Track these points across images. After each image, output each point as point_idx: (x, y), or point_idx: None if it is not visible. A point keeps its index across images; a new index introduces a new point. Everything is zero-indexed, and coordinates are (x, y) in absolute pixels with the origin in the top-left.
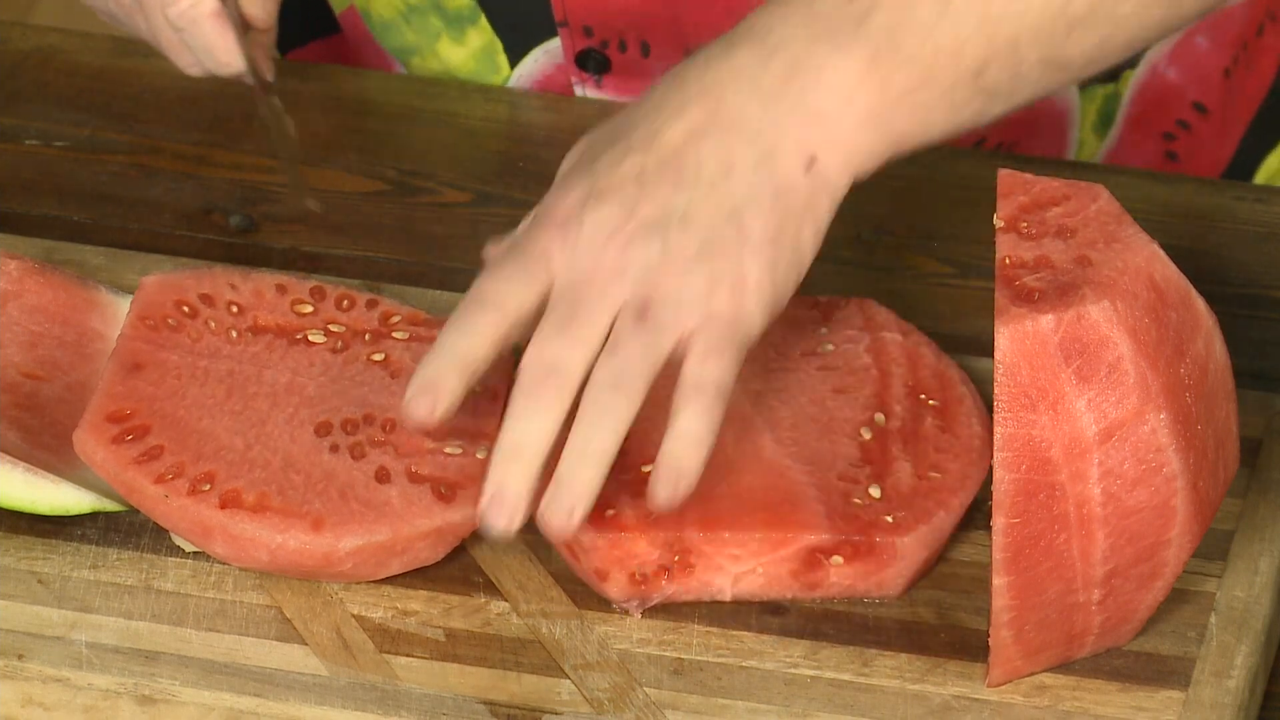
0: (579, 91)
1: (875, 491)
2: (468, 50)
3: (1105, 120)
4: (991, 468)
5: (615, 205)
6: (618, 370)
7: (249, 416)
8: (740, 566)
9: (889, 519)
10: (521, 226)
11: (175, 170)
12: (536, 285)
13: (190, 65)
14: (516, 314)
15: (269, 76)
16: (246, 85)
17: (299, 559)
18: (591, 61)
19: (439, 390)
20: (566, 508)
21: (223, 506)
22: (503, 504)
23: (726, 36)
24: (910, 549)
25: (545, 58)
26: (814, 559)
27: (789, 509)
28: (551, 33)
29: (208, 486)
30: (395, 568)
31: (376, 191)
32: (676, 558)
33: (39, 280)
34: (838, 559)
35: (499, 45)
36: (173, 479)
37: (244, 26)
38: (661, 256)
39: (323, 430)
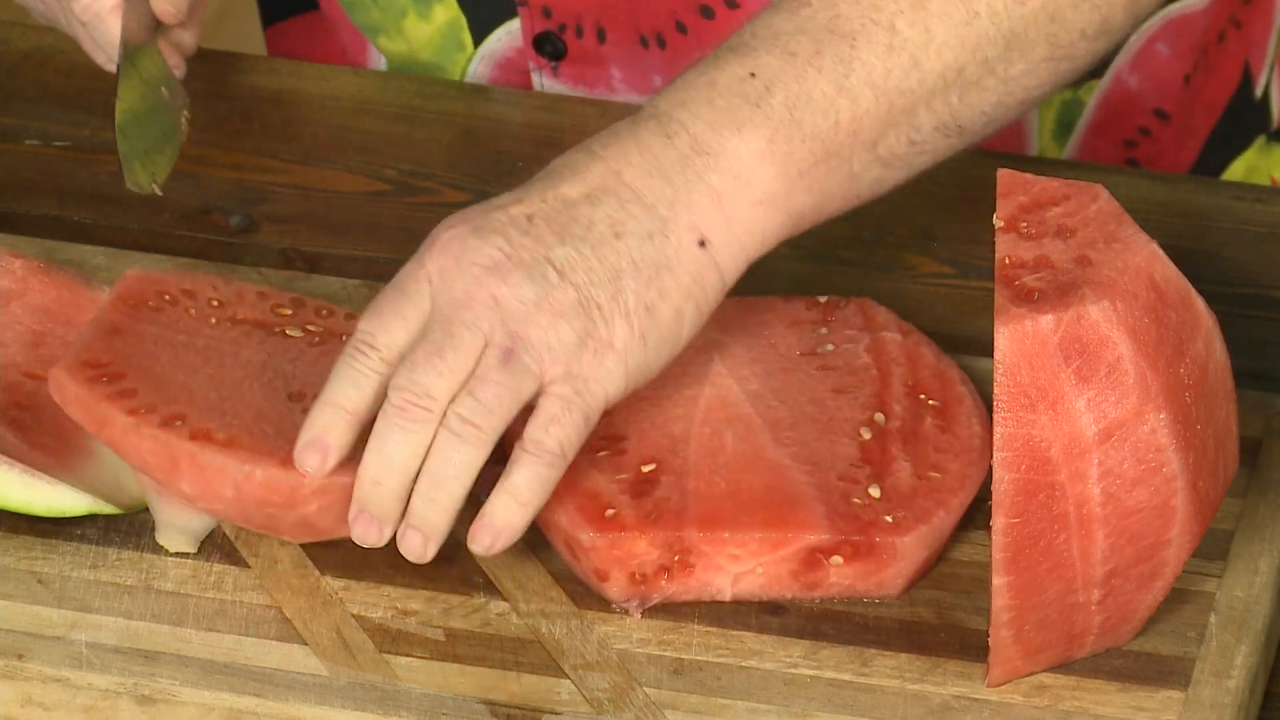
0: (536, 78)
1: (875, 491)
2: (433, 27)
3: (1065, 128)
4: (991, 468)
5: (499, 241)
6: (474, 410)
7: (224, 380)
8: (740, 566)
9: (889, 519)
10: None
11: (175, 170)
12: (412, 322)
13: (106, 62)
14: (396, 355)
15: (179, 73)
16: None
17: (265, 494)
18: (548, 45)
19: (327, 445)
20: (419, 543)
21: (192, 439)
22: (369, 524)
23: (633, 116)
24: (910, 549)
25: (507, 38)
26: (814, 559)
27: (789, 509)
28: (515, 12)
29: (179, 423)
30: None
31: (376, 191)
32: (676, 558)
33: (43, 279)
34: (837, 559)
35: (464, 22)
36: (145, 414)
37: (155, 23)
38: (535, 300)
39: (296, 398)
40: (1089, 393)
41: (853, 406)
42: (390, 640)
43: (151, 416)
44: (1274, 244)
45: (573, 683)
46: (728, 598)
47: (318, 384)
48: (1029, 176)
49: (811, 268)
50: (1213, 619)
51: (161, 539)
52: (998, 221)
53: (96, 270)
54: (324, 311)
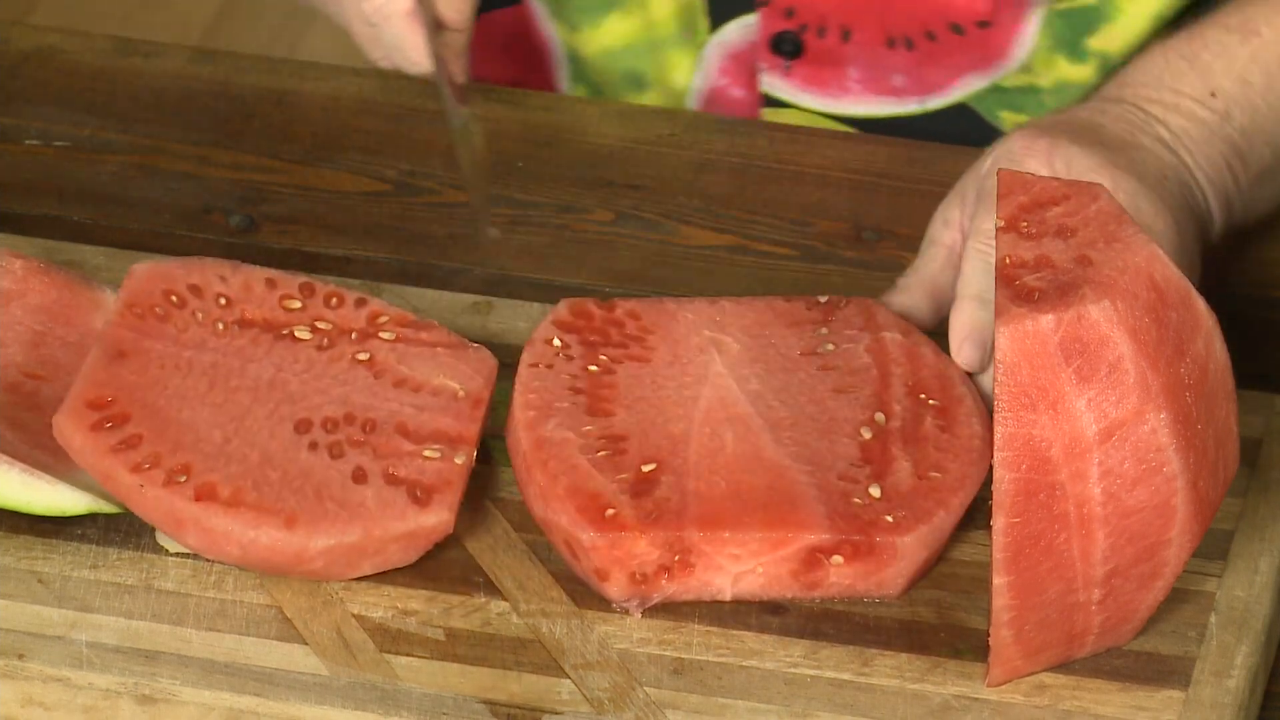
0: (764, 78)
1: (875, 491)
2: (674, 4)
3: None
4: (991, 467)
5: (1095, 151)
6: None
7: (230, 410)
8: (740, 566)
9: (889, 519)
10: None
11: (175, 170)
12: None
13: (381, 59)
14: None
15: (460, 79)
16: (436, 88)
17: (270, 555)
18: (786, 44)
19: (984, 338)
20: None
21: (197, 499)
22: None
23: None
24: (910, 549)
25: (741, 33)
26: (814, 559)
27: (789, 509)
28: (752, 7)
29: (184, 478)
30: (367, 568)
31: (376, 191)
32: (676, 558)
33: (43, 280)
34: (838, 559)
35: (702, 7)
36: (149, 469)
37: (438, 26)
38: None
39: (303, 427)
40: (1089, 392)
41: (853, 406)
42: (390, 640)
43: (156, 474)
44: (1274, 244)
45: (573, 682)
46: (728, 598)
47: (324, 407)
48: (1029, 176)
49: (811, 268)
50: (1213, 619)
51: (162, 539)
52: (998, 221)
53: (96, 270)
54: (334, 300)
